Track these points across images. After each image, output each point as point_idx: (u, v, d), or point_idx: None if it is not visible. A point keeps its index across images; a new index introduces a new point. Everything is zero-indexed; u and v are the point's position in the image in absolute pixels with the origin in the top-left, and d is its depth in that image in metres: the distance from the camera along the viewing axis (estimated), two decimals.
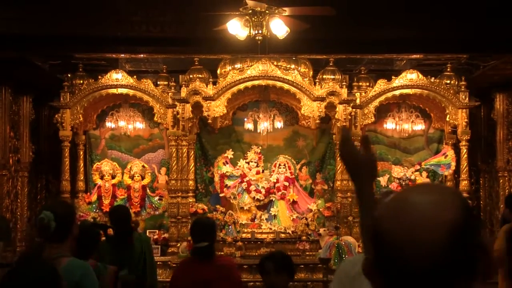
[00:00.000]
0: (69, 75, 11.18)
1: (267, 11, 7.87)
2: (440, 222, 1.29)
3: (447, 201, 1.33)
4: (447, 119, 11.04)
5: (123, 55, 10.92)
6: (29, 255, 4.66)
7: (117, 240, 6.85)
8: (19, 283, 3.00)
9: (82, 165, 11.55)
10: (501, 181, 11.61)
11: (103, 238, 6.74)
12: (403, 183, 11.23)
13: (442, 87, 10.95)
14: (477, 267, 1.32)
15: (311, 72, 11.12)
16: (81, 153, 11.56)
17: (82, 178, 11.51)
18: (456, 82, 11.11)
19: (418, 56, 10.91)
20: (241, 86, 10.65)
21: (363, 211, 2.16)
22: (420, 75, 10.96)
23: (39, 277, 3.07)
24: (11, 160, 10.98)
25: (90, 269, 4.10)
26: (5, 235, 9.39)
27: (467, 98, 10.96)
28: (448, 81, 11.10)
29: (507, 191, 11.47)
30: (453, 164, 11.09)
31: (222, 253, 10.11)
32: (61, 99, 10.98)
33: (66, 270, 3.86)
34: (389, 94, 11.02)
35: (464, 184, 11.08)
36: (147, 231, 10.80)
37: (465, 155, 11.10)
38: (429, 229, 1.28)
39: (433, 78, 11.02)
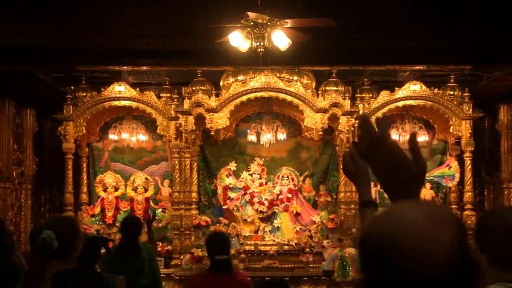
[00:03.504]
0: (72, 88, 11.20)
1: (268, 23, 7.85)
2: (437, 241, 1.29)
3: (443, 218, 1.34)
4: (451, 130, 11.00)
5: (125, 67, 10.93)
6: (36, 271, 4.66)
7: (123, 251, 6.84)
8: None
9: (85, 177, 11.56)
10: (505, 192, 11.53)
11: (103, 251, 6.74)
12: None
13: (445, 98, 10.92)
14: (474, 283, 1.33)
15: (314, 84, 11.11)
16: (84, 165, 11.58)
17: (85, 190, 11.53)
18: (460, 93, 11.07)
19: (421, 67, 10.88)
20: (244, 98, 10.63)
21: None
22: (424, 86, 10.94)
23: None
24: (14, 173, 10.98)
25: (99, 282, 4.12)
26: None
27: (470, 109, 10.92)
28: (452, 92, 11.07)
29: (511, 202, 11.43)
30: (457, 175, 11.05)
31: None
32: (64, 111, 10.99)
33: None
34: (392, 106, 10.99)
35: (468, 195, 11.04)
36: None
37: (469, 166, 11.06)
38: (430, 246, 1.28)
39: (436, 89, 10.99)
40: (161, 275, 9.91)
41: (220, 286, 5.68)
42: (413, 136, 1.93)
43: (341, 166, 2.95)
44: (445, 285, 1.29)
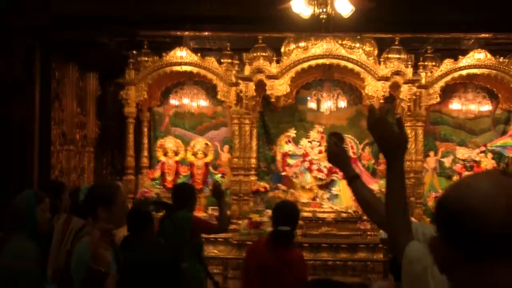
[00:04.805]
0: (134, 53, 11.30)
1: None
2: (501, 202, 1.54)
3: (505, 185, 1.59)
4: None
5: (187, 33, 10.95)
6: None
7: (165, 217, 6.86)
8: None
9: (146, 141, 11.70)
10: None
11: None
12: (468, 165, 11.08)
13: (511, 67, 10.69)
14: None
15: (376, 51, 10.96)
16: (145, 129, 11.72)
17: (146, 154, 11.68)
18: None
19: (486, 35, 10.65)
20: (305, 64, 10.58)
21: (393, 187, 2.63)
22: (488, 55, 10.71)
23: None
24: (77, 136, 11.17)
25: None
26: None
27: None
28: None
29: None
30: None
31: None
32: (126, 76, 11.11)
33: (78, 249, 3.95)
34: (456, 74, 10.80)
35: None
36: (209, 208, 10.87)
37: None
38: (494, 208, 1.54)
39: (501, 58, 10.76)
40: (220, 240, 10.18)
41: (274, 258, 5.61)
42: (399, 119, 2.71)
43: (326, 150, 3.36)
44: (504, 241, 1.53)
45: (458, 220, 1.58)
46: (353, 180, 3.19)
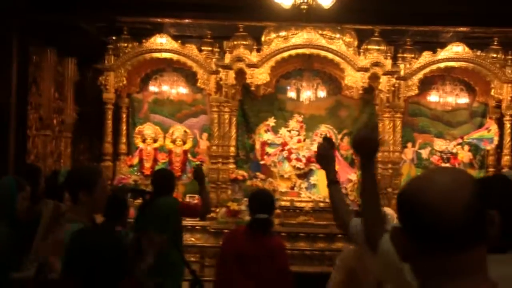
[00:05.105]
0: (113, 38, 11.24)
1: None
2: (459, 197, 1.63)
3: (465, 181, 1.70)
4: (492, 93, 10.89)
5: (167, 19, 10.91)
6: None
7: (148, 203, 6.83)
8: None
9: (124, 128, 11.66)
10: None
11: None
12: (445, 156, 11.17)
13: (488, 60, 10.79)
14: (488, 236, 1.66)
15: (356, 42, 11.02)
16: (124, 116, 11.67)
17: (124, 141, 11.64)
18: (503, 56, 10.95)
19: (464, 29, 10.73)
20: (285, 54, 10.61)
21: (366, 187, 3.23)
22: (466, 48, 10.80)
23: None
24: (55, 121, 11.09)
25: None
26: None
27: None
28: (495, 55, 10.92)
29: None
30: (496, 138, 11.00)
31: None
32: (106, 61, 11.05)
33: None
34: (434, 67, 10.89)
35: (506, 159, 10.98)
36: (187, 195, 10.88)
37: (509, 130, 10.97)
38: (451, 202, 1.63)
39: (479, 51, 10.86)
40: (197, 228, 10.18)
41: (253, 246, 5.64)
42: (376, 126, 3.76)
43: (316, 151, 3.96)
44: (461, 233, 1.62)
45: (417, 213, 1.65)
46: (331, 185, 3.74)
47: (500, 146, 11.12)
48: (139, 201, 8.31)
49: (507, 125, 10.95)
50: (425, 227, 1.63)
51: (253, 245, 5.64)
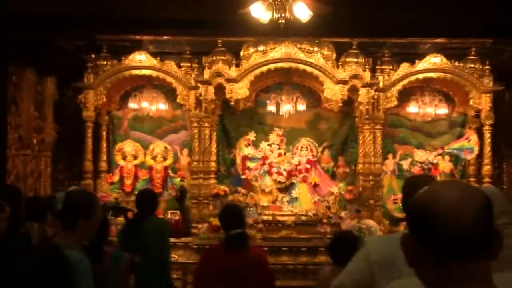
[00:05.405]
0: (93, 56, 11.22)
1: None
2: (469, 211, 1.70)
3: (475, 195, 1.76)
4: (471, 103, 10.96)
5: (146, 37, 10.93)
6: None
7: (132, 224, 6.88)
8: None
9: (104, 145, 11.65)
10: None
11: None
12: (426, 167, 11.21)
13: (466, 71, 10.87)
14: (493, 248, 1.73)
15: (334, 55, 11.06)
16: (104, 133, 11.67)
17: (104, 158, 11.63)
18: (481, 66, 11.01)
19: (442, 40, 10.82)
20: (264, 68, 10.62)
21: None
22: (444, 59, 10.87)
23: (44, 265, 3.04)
24: (34, 140, 11.05)
25: (82, 263, 3.81)
26: None
27: (491, 83, 10.87)
28: (472, 65, 10.99)
29: None
30: (476, 148, 11.06)
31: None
32: (85, 79, 11.04)
33: None
34: (413, 78, 10.95)
35: (486, 169, 11.03)
36: (169, 212, 10.85)
37: (488, 140, 11.03)
38: (461, 215, 1.70)
39: (457, 62, 10.93)
40: (179, 244, 10.13)
41: (233, 262, 5.60)
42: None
43: None
44: (468, 244, 1.69)
45: (428, 223, 1.72)
46: None
47: (480, 156, 11.17)
48: (120, 219, 8.27)
49: (487, 134, 11.00)
50: (435, 237, 1.71)
51: (233, 260, 5.60)
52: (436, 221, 1.70)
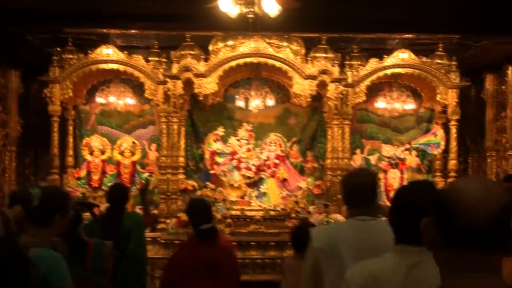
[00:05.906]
0: (58, 50, 11.05)
1: None
2: (489, 208, 1.85)
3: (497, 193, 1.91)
4: (438, 98, 11.04)
5: (113, 30, 10.82)
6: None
7: (108, 218, 6.87)
8: None
9: (71, 140, 11.52)
10: (489, 160, 11.75)
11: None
12: (393, 162, 11.27)
13: (433, 67, 10.94)
14: (507, 245, 1.89)
15: (303, 50, 11.07)
16: (71, 128, 11.53)
17: (71, 153, 11.49)
18: (448, 62, 11.09)
19: (410, 35, 10.90)
20: (233, 63, 10.57)
21: None
22: (412, 55, 10.93)
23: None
24: None
25: (59, 261, 3.89)
26: None
27: (457, 78, 10.96)
28: (440, 61, 11.07)
29: (494, 170, 11.58)
30: (443, 143, 11.14)
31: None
32: (50, 73, 10.86)
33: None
34: (381, 73, 10.98)
35: (452, 163, 11.14)
36: (136, 207, 10.77)
37: (455, 135, 11.12)
38: (482, 211, 1.85)
39: (424, 57, 11.00)
40: (147, 239, 10.07)
41: (205, 255, 5.65)
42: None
43: None
44: (483, 238, 1.85)
45: (450, 214, 1.88)
46: None
47: (446, 151, 11.26)
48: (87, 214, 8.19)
49: (453, 130, 11.10)
50: (455, 227, 1.87)
51: (207, 252, 5.65)
52: (459, 212, 1.86)
